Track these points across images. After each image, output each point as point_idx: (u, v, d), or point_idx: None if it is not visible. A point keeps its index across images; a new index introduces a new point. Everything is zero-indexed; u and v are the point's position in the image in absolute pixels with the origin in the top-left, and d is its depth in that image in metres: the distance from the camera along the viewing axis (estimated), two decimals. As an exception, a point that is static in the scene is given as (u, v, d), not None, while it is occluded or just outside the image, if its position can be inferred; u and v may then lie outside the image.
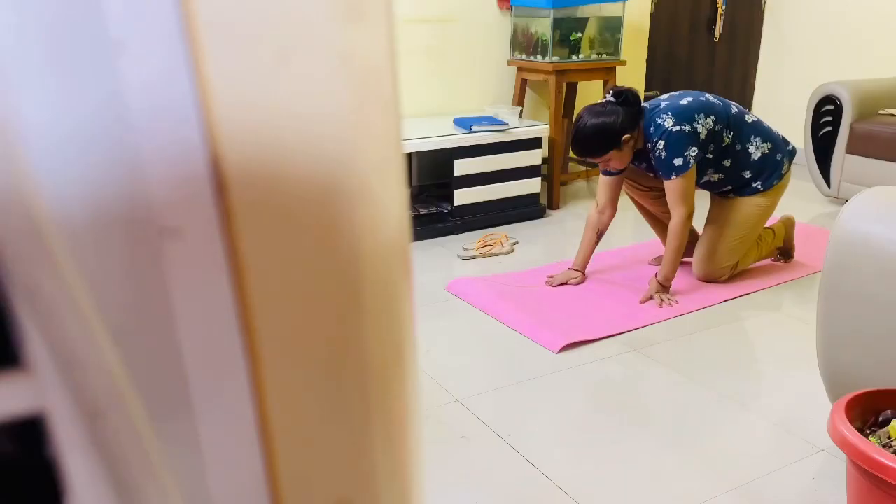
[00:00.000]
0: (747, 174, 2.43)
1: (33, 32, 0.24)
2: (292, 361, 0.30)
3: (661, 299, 2.37)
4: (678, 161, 2.26)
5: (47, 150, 0.25)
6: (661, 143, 2.27)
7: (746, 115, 2.43)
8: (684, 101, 2.32)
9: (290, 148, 0.27)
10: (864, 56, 4.15)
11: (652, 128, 2.29)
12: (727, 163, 2.40)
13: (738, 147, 2.39)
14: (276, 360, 0.29)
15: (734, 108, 2.41)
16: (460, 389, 1.86)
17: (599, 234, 2.54)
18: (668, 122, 2.27)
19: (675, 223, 2.32)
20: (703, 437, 1.66)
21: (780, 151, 2.47)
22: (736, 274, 2.59)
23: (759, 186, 2.46)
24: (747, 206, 2.47)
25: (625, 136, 2.25)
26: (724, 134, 2.35)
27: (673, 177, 2.28)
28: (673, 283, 2.47)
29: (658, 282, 2.39)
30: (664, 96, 2.41)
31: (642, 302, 2.37)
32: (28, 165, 0.24)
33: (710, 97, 2.38)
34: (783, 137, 2.52)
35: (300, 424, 0.31)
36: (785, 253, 2.77)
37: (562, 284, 2.54)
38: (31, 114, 0.24)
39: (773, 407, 1.78)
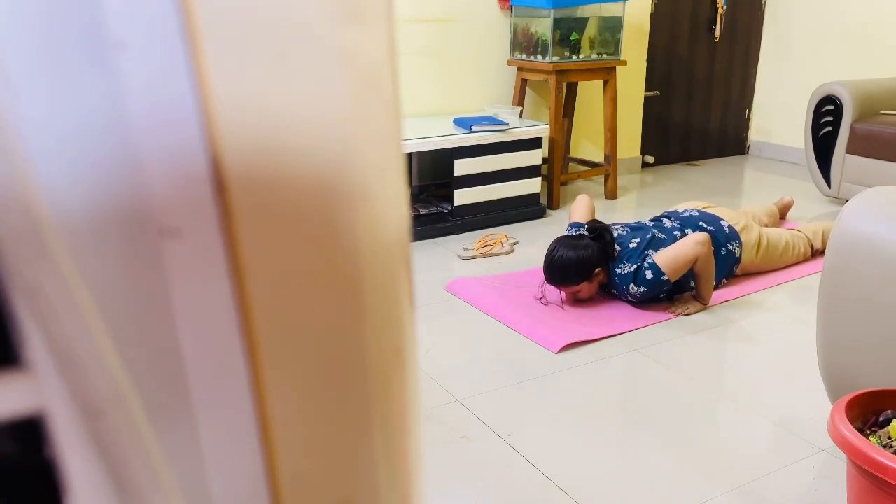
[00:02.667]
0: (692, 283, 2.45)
1: (33, 31, 0.24)
2: (292, 361, 0.30)
3: (684, 311, 2.35)
4: (650, 275, 2.29)
5: (47, 150, 0.25)
6: (630, 285, 2.31)
7: (687, 231, 2.50)
8: (633, 243, 2.40)
9: (289, 148, 0.27)
10: (865, 56, 4.15)
11: (617, 279, 2.35)
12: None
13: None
14: (276, 360, 0.29)
15: (678, 232, 2.49)
16: (460, 389, 1.86)
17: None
18: (626, 268, 2.34)
19: (698, 263, 2.32)
20: (703, 437, 1.66)
21: (730, 243, 2.56)
22: (742, 274, 2.62)
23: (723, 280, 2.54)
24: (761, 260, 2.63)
25: (596, 270, 2.33)
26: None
27: (664, 277, 2.28)
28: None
29: (699, 302, 2.36)
30: (618, 232, 2.47)
31: (671, 311, 2.35)
32: (28, 165, 0.24)
33: (659, 230, 2.48)
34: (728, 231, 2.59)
35: (300, 424, 0.31)
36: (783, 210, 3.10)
37: None
38: (32, 113, 0.24)
39: (773, 407, 1.78)
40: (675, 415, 1.75)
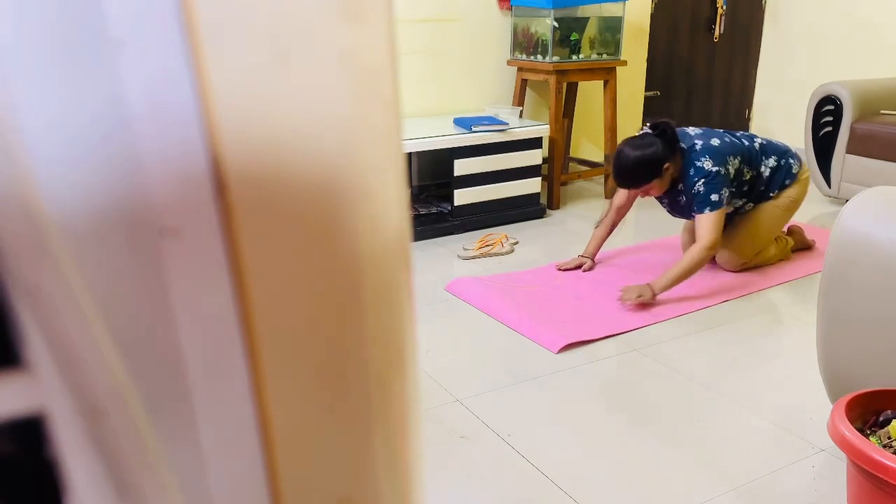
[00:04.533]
0: (762, 188, 2.59)
1: (34, 32, 0.24)
2: (292, 361, 0.30)
3: (635, 300, 2.33)
4: (715, 197, 2.38)
5: (48, 151, 0.25)
6: (702, 181, 2.39)
7: (756, 142, 2.59)
8: (715, 142, 2.46)
9: (290, 148, 0.27)
10: (865, 56, 4.15)
11: (692, 170, 2.41)
12: (746, 188, 2.55)
13: (755, 173, 2.55)
14: (277, 359, 0.29)
15: (746, 140, 2.57)
16: (460, 389, 1.86)
17: (613, 227, 2.73)
18: (708, 165, 2.41)
19: (697, 247, 2.35)
20: (703, 437, 1.66)
21: (785, 157, 2.63)
22: (751, 267, 2.67)
23: (772, 193, 2.61)
24: (765, 209, 2.63)
25: (665, 165, 2.37)
26: (745, 169, 2.51)
27: (707, 211, 2.37)
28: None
29: (652, 290, 2.35)
30: (692, 132, 2.51)
31: (621, 300, 2.36)
32: (29, 166, 0.24)
33: (731, 137, 2.53)
34: (785, 146, 2.67)
35: (300, 424, 0.31)
36: (805, 247, 2.95)
37: (573, 269, 2.66)
38: (32, 114, 0.24)
39: (773, 407, 1.78)
40: (674, 415, 1.75)
